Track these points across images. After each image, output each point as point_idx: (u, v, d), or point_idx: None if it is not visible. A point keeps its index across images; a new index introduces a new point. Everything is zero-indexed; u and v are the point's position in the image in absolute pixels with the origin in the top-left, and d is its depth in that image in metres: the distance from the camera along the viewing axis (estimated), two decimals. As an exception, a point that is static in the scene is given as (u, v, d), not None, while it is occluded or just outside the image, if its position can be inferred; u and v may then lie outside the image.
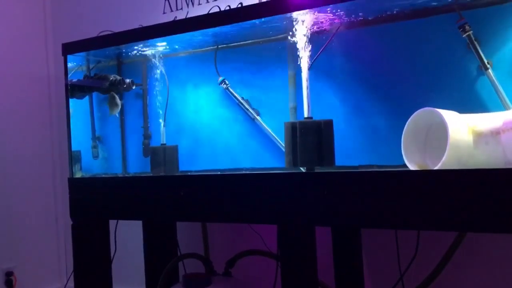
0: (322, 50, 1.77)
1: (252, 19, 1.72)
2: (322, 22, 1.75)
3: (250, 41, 2.03)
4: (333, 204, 1.45)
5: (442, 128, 1.35)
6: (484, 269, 1.81)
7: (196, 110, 2.19)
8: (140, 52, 2.15)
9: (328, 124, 1.65)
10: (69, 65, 2.16)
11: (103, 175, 2.27)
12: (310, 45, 1.72)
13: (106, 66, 2.34)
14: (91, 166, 2.33)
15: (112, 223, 2.11)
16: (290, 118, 1.91)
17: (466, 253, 1.78)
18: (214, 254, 2.30)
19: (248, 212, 1.62)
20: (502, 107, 1.58)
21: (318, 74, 1.81)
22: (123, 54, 2.26)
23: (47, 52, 2.92)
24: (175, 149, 2.13)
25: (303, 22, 1.72)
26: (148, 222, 2.22)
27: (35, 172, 2.81)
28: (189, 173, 2.11)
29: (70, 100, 2.14)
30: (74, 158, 2.12)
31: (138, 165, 2.32)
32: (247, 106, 2.06)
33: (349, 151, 1.82)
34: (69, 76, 2.15)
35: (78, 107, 2.26)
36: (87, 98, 2.34)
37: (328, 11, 1.66)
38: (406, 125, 1.47)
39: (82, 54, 2.20)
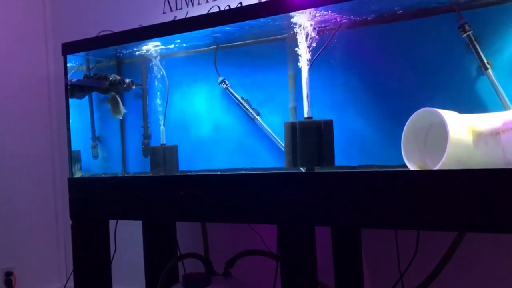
0: (322, 50, 1.77)
1: (252, 19, 1.72)
2: (321, 22, 1.75)
3: (249, 40, 2.03)
4: (333, 204, 1.45)
5: (442, 128, 1.35)
6: (484, 269, 1.81)
7: (196, 110, 2.19)
8: (139, 52, 2.15)
9: (328, 124, 1.65)
10: (69, 65, 2.16)
11: (103, 175, 2.27)
12: (310, 45, 1.72)
13: (106, 66, 2.34)
14: (91, 166, 2.32)
15: (112, 223, 2.11)
16: (290, 118, 1.91)
17: (466, 253, 1.78)
18: (214, 254, 2.30)
19: (248, 212, 1.62)
20: (502, 107, 1.57)
21: (318, 74, 1.81)
22: (123, 54, 2.26)
23: (47, 52, 2.92)
24: (175, 149, 2.13)
25: (303, 22, 1.71)
26: (148, 222, 2.22)
27: (35, 172, 2.81)
28: (189, 173, 2.10)
29: (70, 100, 2.14)
30: (74, 158, 2.11)
31: (138, 165, 2.32)
32: (247, 106, 2.06)
33: (349, 151, 1.82)
34: (69, 76, 2.15)
35: (78, 107, 2.27)
36: (86, 98, 2.34)
37: (328, 11, 1.66)
38: (406, 125, 1.47)
39: (82, 54, 2.20)
